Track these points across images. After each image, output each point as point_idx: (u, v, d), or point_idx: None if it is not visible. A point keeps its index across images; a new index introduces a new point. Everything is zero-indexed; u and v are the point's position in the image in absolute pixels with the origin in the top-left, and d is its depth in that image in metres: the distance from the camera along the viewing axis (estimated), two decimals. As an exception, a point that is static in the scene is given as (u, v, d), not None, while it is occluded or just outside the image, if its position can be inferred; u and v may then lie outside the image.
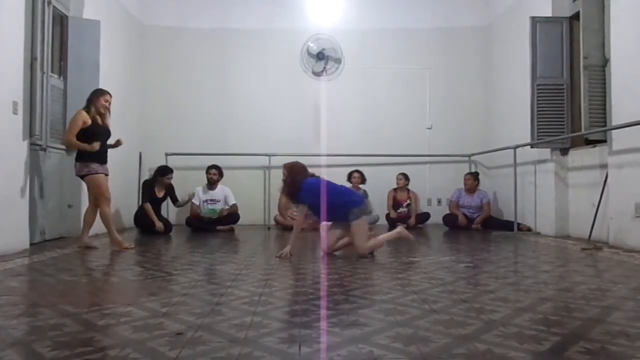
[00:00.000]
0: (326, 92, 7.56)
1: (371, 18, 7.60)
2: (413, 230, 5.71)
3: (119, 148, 4.73)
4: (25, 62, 4.30)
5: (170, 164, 6.89)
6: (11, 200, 4.05)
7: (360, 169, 6.98)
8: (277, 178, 7.07)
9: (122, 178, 6.25)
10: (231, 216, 6.59)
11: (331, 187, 4.12)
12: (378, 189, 7.09)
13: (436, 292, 2.54)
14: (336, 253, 4.05)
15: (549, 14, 5.61)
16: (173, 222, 6.51)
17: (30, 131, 4.38)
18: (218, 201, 6.61)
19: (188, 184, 6.92)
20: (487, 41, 7.56)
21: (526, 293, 2.54)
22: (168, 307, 2.19)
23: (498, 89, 7.26)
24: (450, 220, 6.75)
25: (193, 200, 6.56)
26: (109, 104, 4.49)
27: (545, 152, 5.72)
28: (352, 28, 7.59)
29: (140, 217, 6.11)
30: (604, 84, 4.86)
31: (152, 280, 2.89)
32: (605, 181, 4.66)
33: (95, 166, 4.33)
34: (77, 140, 4.28)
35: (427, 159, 7.58)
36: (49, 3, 4.81)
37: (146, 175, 7.07)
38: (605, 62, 4.88)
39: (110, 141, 4.58)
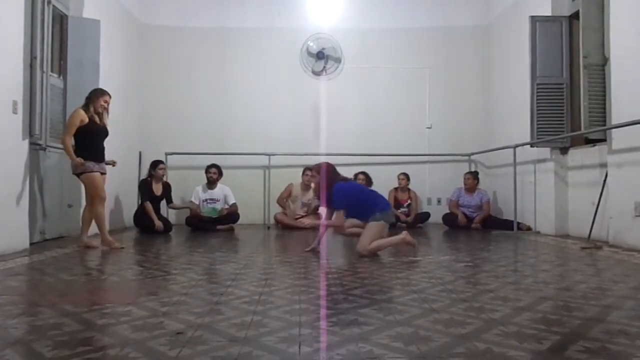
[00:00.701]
0: (326, 91, 7.56)
1: (371, 17, 7.59)
2: (412, 230, 5.71)
3: (119, 148, 4.75)
4: (25, 62, 4.29)
5: (170, 164, 6.91)
6: (11, 200, 4.05)
7: (358, 168, 6.96)
8: (277, 177, 7.19)
9: (121, 178, 6.25)
10: (231, 215, 6.59)
11: (360, 188, 4.34)
12: (377, 189, 6.93)
13: (436, 292, 2.54)
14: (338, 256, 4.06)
15: (549, 13, 5.61)
16: (173, 221, 6.50)
17: (30, 131, 4.38)
18: (218, 200, 6.61)
19: (188, 183, 6.93)
20: (486, 40, 7.56)
21: (526, 292, 2.54)
22: (168, 306, 2.19)
23: (498, 88, 7.26)
24: (450, 219, 6.75)
25: (193, 200, 6.56)
26: (108, 105, 4.51)
27: (545, 152, 5.72)
28: (352, 27, 7.59)
29: (140, 217, 6.11)
30: (604, 83, 4.86)
31: (152, 280, 2.89)
32: (604, 180, 4.67)
33: (90, 165, 4.34)
34: (75, 138, 4.30)
35: (427, 158, 7.58)
36: (49, 2, 4.81)
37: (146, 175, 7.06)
38: (605, 61, 4.88)
39: (108, 147, 4.60)
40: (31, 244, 4.37)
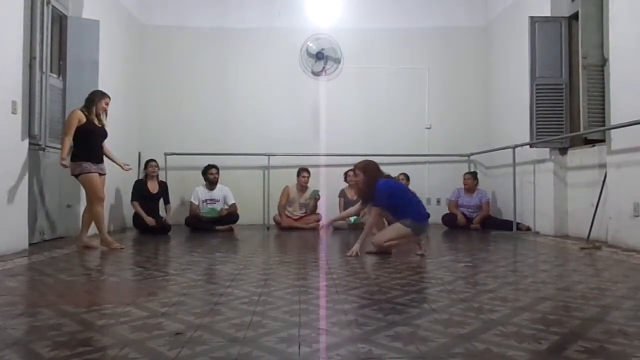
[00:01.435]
0: (325, 91, 7.56)
1: (370, 18, 7.60)
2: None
3: (118, 149, 4.76)
4: (24, 62, 4.29)
5: (169, 164, 6.93)
6: (10, 200, 4.04)
7: (358, 168, 6.97)
8: (276, 178, 7.18)
9: (121, 178, 6.24)
10: (230, 216, 6.59)
11: (404, 189, 4.32)
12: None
13: (435, 292, 2.55)
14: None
15: (548, 14, 5.62)
16: (172, 222, 6.50)
17: (29, 131, 4.38)
18: (217, 201, 6.61)
19: (187, 183, 6.93)
20: (486, 41, 7.57)
21: (525, 292, 2.54)
22: (167, 307, 2.19)
23: (497, 88, 7.27)
24: (449, 219, 6.75)
25: (192, 200, 6.56)
26: (108, 107, 4.53)
27: (544, 152, 5.72)
28: (352, 28, 7.59)
29: (138, 217, 6.12)
30: (603, 83, 4.86)
31: (151, 280, 2.89)
32: (604, 181, 4.67)
33: (88, 165, 4.34)
34: (73, 138, 4.31)
35: (426, 158, 7.58)
36: (48, 3, 4.81)
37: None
38: (604, 61, 4.88)
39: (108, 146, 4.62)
40: (30, 244, 4.36)
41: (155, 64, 7.46)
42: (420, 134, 7.61)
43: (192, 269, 3.31)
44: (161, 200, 6.40)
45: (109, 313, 2.10)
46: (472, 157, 7.56)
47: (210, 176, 6.60)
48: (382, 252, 4.01)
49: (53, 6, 4.96)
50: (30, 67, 4.45)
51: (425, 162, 7.59)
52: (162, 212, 6.37)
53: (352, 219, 6.79)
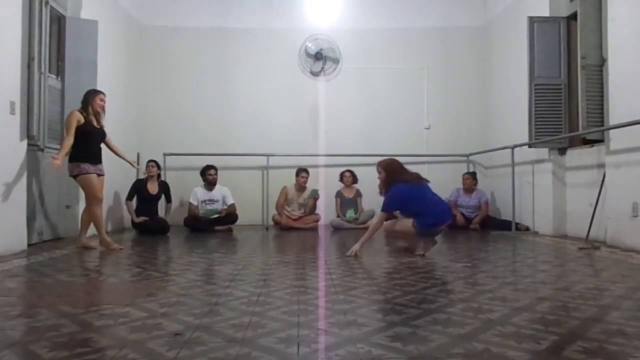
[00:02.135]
0: (324, 92, 7.57)
1: (369, 18, 7.60)
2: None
3: (118, 149, 4.76)
4: (22, 62, 4.29)
5: (168, 165, 6.92)
6: (9, 201, 4.04)
7: (358, 168, 6.98)
8: (275, 178, 7.18)
9: (120, 179, 6.24)
10: (229, 216, 6.58)
11: (420, 196, 4.04)
12: (376, 189, 7.06)
13: (434, 292, 2.55)
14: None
15: (547, 14, 5.62)
16: (171, 222, 6.50)
17: (27, 131, 4.38)
18: (216, 201, 6.61)
19: (186, 183, 6.93)
20: (484, 41, 7.57)
21: (524, 292, 2.54)
22: (166, 307, 2.19)
23: (496, 88, 7.27)
24: (448, 220, 6.75)
25: (191, 201, 6.56)
26: (104, 103, 4.52)
27: (543, 152, 5.73)
28: (350, 28, 7.59)
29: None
30: (602, 83, 4.87)
31: (150, 281, 2.89)
32: (602, 181, 4.67)
33: (86, 166, 4.33)
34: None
35: (425, 158, 7.58)
36: (47, 3, 4.80)
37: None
38: (602, 61, 4.89)
39: (107, 148, 4.64)
40: (29, 245, 4.36)
41: (154, 64, 7.46)
42: (419, 134, 7.61)
43: (191, 270, 3.31)
44: (160, 201, 6.40)
45: (107, 314, 2.10)
46: (471, 157, 7.56)
47: (209, 177, 6.60)
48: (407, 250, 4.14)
49: (51, 7, 4.95)
50: (29, 67, 4.44)
51: (424, 162, 7.58)
52: (161, 213, 6.37)
53: (347, 214, 6.82)
